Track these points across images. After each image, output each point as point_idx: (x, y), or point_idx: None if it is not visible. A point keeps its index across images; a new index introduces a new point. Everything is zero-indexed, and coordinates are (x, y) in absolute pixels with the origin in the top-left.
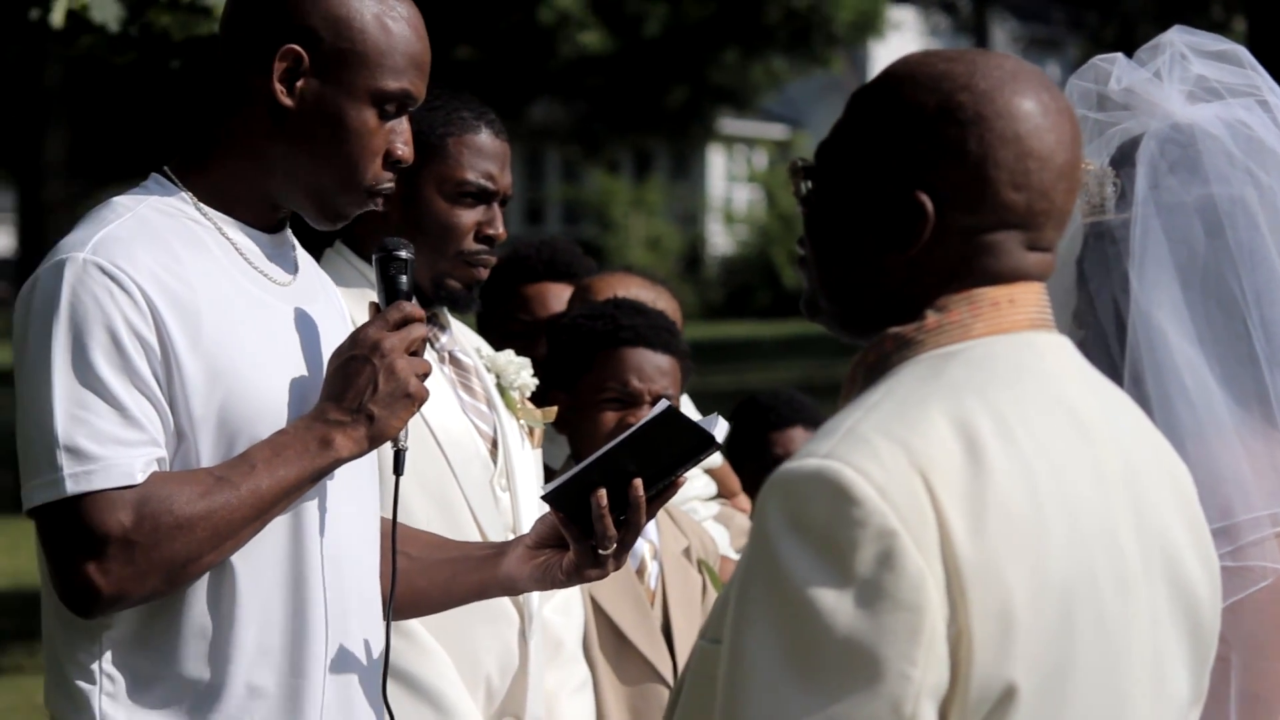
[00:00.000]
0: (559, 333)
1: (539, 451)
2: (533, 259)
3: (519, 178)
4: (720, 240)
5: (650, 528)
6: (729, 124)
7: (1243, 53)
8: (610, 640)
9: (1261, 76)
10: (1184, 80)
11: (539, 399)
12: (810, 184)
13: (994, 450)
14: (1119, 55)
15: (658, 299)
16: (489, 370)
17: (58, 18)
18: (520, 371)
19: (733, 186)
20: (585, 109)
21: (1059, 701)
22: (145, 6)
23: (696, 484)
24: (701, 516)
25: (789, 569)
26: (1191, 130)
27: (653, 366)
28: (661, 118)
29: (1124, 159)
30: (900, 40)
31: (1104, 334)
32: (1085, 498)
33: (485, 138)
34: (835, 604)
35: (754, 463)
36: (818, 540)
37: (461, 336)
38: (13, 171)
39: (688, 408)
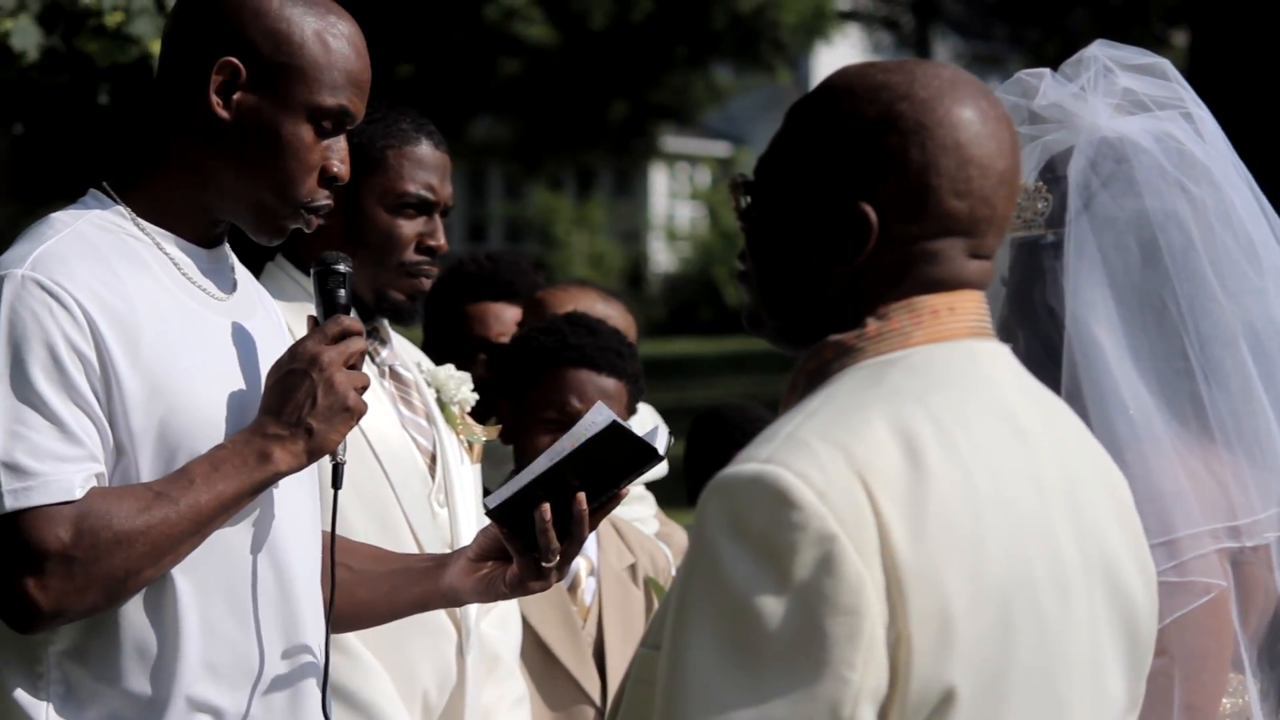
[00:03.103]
0: (511, 346)
1: (478, 467)
2: (474, 276)
3: (461, 195)
4: (663, 257)
5: (589, 544)
6: (671, 141)
7: (1167, 66)
8: (538, 658)
9: (1185, 89)
10: (1110, 94)
11: (479, 414)
12: (750, 198)
13: (933, 455)
14: (1045, 70)
15: (612, 314)
16: (429, 385)
17: None
18: (461, 387)
19: (675, 204)
20: (526, 125)
21: (997, 704)
22: (73, 33)
23: (639, 506)
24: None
25: (729, 572)
26: (1122, 144)
27: (595, 388)
28: (603, 134)
29: (1052, 174)
30: (844, 55)
31: (1034, 347)
32: (1024, 503)
33: (425, 149)
34: (775, 607)
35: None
36: (757, 544)
37: (402, 350)
38: None
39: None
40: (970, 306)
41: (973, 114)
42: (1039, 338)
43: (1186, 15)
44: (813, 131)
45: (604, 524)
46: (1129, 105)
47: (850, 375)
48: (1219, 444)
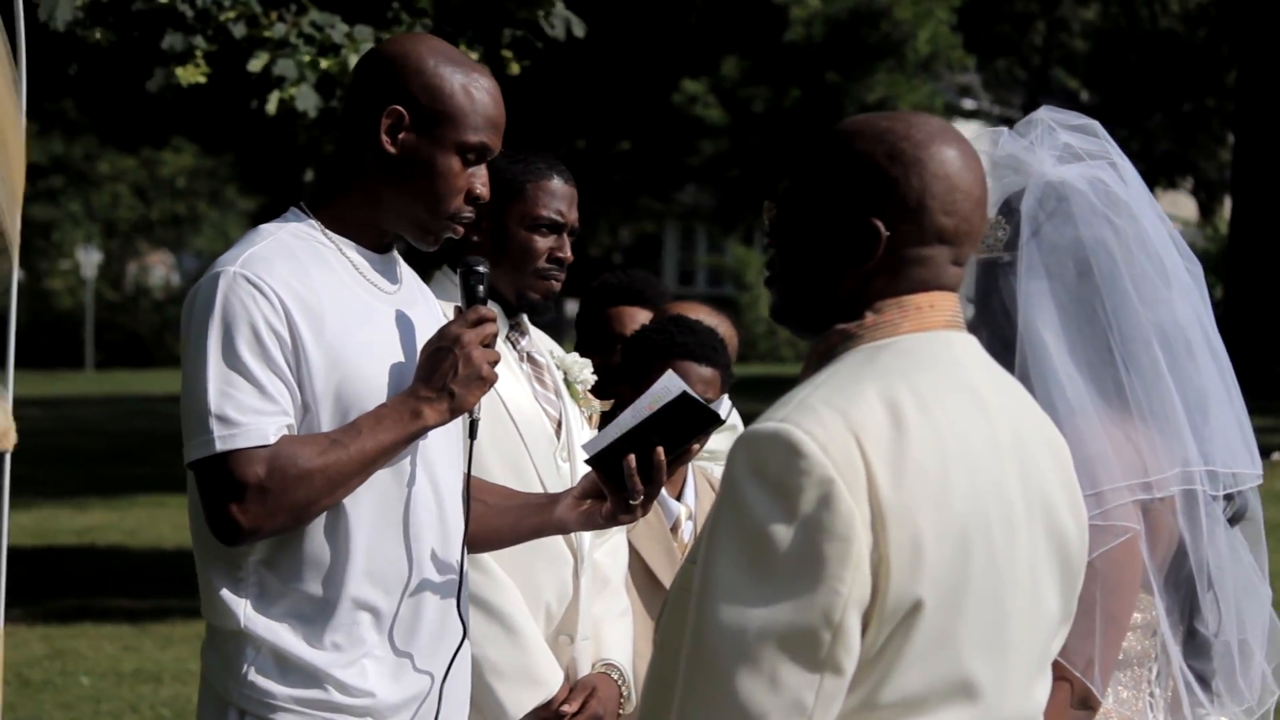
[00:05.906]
0: (631, 340)
1: (595, 432)
2: (615, 286)
3: (674, 248)
4: None
5: (689, 494)
6: None
7: (1097, 126)
8: (643, 580)
9: (1111, 145)
10: (1053, 147)
11: (599, 391)
12: (778, 218)
13: (912, 420)
14: (1003, 129)
15: (720, 324)
16: (558, 368)
17: (271, 108)
18: (583, 370)
19: None
20: (723, 194)
21: (955, 613)
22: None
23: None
24: None
25: (750, 505)
26: (1063, 186)
27: (697, 376)
28: None
29: (1008, 208)
30: None
31: (993, 344)
32: (983, 459)
33: (557, 183)
34: (784, 534)
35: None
36: (772, 484)
37: (538, 340)
38: None
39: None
40: (947, 305)
41: (955, 153)
42: (997, 336)
43: (1235, 122)
44: (832, 165)
45: (702, 480)
46: (1068, 156)
47: (850, 356)
48: (1135, 418)
